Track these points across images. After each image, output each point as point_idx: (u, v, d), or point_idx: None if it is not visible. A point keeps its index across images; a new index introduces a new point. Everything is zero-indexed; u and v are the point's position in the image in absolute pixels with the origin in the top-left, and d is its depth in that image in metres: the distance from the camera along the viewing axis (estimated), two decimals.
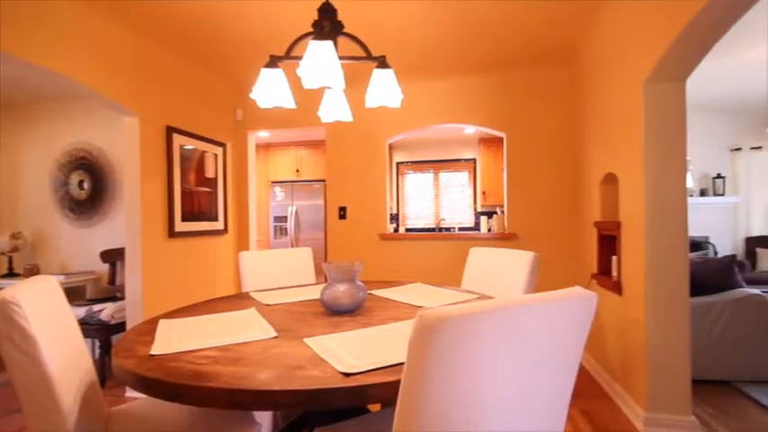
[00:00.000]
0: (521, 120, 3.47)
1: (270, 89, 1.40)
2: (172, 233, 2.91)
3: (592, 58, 2.89)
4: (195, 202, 3.15)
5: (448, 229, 6.12)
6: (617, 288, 2.45)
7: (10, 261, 3.59)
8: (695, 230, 5.58)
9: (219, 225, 3.48)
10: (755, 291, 2.79)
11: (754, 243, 5.45)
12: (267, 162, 5.92)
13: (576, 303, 0.74)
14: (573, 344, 0.80)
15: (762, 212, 5.60)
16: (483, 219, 5.57)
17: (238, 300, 1.75)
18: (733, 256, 2.97)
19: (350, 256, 3.71)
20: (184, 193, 3.03)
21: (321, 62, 1.24)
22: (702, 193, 5.73)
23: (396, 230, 6.17)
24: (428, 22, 2.59)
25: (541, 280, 3.19)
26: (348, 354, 1.02)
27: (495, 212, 5.66)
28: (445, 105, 3.60)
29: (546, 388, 0.80)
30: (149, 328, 1.33)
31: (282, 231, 5.66)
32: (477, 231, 5.90)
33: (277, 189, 5.74)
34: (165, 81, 2.92)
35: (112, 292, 3.37)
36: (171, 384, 0.89)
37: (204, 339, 1.16)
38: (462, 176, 6.27)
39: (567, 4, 2.42)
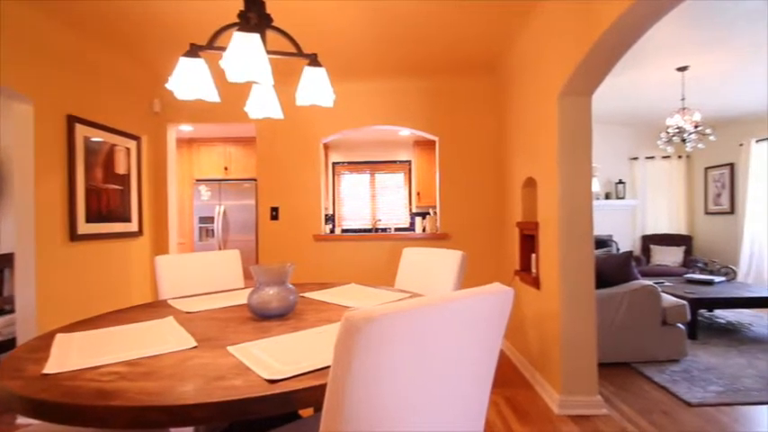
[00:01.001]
0: (452, 124, 3.62)
1: (189, 80, 1.30)
2: (74, 236, 2.58)
3: (514, 70, 3.10)
4: (103, 201, 2.83)
5: (384, 230, 6.19)
6: (536, 283, 2.66)
7: None
8: (601, 230, 6.25)
9: (133, 227, 3.16)
10: (649, 282, 3.19)
11: (648, 240, 6.24)
12: (191, 158, 5.50)
13: (495, 298, 0.79)
14: (492, 337, 0.84)
15: (654, 214, 6.43)
16: (418, 219, 5.73)
17: (154, 308, 1.60)
18: (630, 252, 3.37)
19: (283, 258, 3.59)
20: (90, 191, 2.71)
21: (246, 55, 1.17)
22: (607, 196, 6.43)
23: (332, 231, 6.10)
24: (362, 24, 2.60)
25: (470, 277, 3.36)
26: (275, 360, 0.98)
27: (429, 213, 5.85)
28: (380, 107, 3.63)
29: (469, 380, 0.83)
30: (44, 343, 1.17)
31: (209, 233, 5.29)
32: (412, 232, 6.05)
33: (202, 188, 5.34)
34: (67, 64, 2.59)
35: (0, 304, 2.92)
36: (67, 406, 0.79)
37: (110, 354, 1.05)
38: (398, 177, 6.39)
39: (493, 19, 2.57)
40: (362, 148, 6.34)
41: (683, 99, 4.31)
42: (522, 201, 2.99)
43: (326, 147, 6.22)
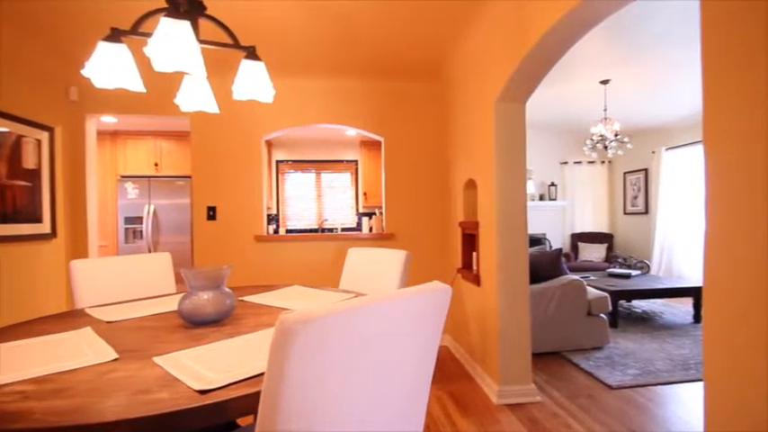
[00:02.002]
0: (397, 126, 3.66)
1: (110, 67, 1.18)
2: None
3: (456, 75, 3.20)
4: (8, 199, 2.50)
5: (331, 230, 6.12)
6: (476, 280, 2.76)
7: None
8: (535, 229, 6.67)
9: (45, 228, 2.82)
10: (576, 277, 3.46)
11: (576, 238, 6.76)
12: (116, 153, 4.98)
13: (433, 296, 0.80)
14: (432, 334, 0.86)
15: (582, 214, 6.98)
16: (365, 219, 5.73)
17: (69, 318, 1.45)
18: (560, 250, 3.62)
19: (221, 260, 3.41)
20: None
21: (175, 43, 1.09)
22: (541, 197, 6.88)
23: (275, 232, 5.92)
24: (306, 21, 2.54)
25: (415, 276, 3.42)
26: (208, 369, 0.92)
27: (375, 213, 5.88)
28: (326, 106, 3.58)
29: (409, 378, 0.84)
30: None
31: (136, 235, 4.84)
32: (359, 232, 6.04)
33: (129, 185, 4.86)
34: None
35: None
36: None
37: (11, 371, 0.92)
38: (345, 177, 6.35)
39: (435, 25, 2.63)
40: (308, 147, 6.22)
41: (605, 110, 4.73)
42: (464, 201, 3.10)
43: (270, 144, 6.02)
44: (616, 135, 4.57)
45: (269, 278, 3.45)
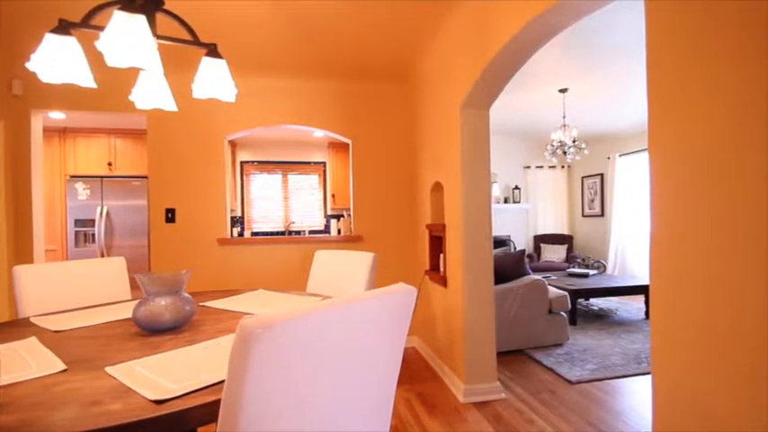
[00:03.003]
0: (365, 128, 3.66)
1: (57, 60, 1.11)
2: None
3: (423, 79, 3.25)
4: None
5: (299, 233, 6.02)
6: (443, 281, 2.81)
7: None
8: (500, 230, 6.87)
9: None
10: (538, 277, 3.58)
11: (539, 240, 7.01)
12: (64, 151, 4.67)
13: (398, 298, 0.80)
14: (397, 335, 0.86)
15: (544, 216, 7.26)
16: (333, 222, 5.69)
17: (11, 328, 1.34)
18: (523, 251, 3.74)
19: (182, 265, 3.28)
20: None
21: (129, 38, 1.04)
22: (506, 200, 7.09)
23: (240, 234, 5.76)
24: (270, 19, 2.50)
25: (383, 278, 3.42)
26: (164, 378, 0.88)
27: (343, 215, 5.85)
28: (292, 106, 3.53)
29: (374, 381, 0.84)
30: None
31: (88, 238, 4.53)
32: (327, 234, 5.98)
33: (79, 185, 4.55)
34: None
35: None
36: None
37: None
38: (313, 179, 6.27)
39: (403, 29, 2.66)
40: (274, 148, 6.10)
41: (564, 117, 4.94)
42: (431, 204, 3.14)
43: (234, 144, 5.86)
44: (574, 141, 4.78)
45: (233, 283, 3.36)
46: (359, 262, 1.94)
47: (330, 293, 1.98)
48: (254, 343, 0.59)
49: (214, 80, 1.36)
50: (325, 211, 6.23)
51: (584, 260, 6.48)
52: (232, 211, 5.43)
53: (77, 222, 4.55)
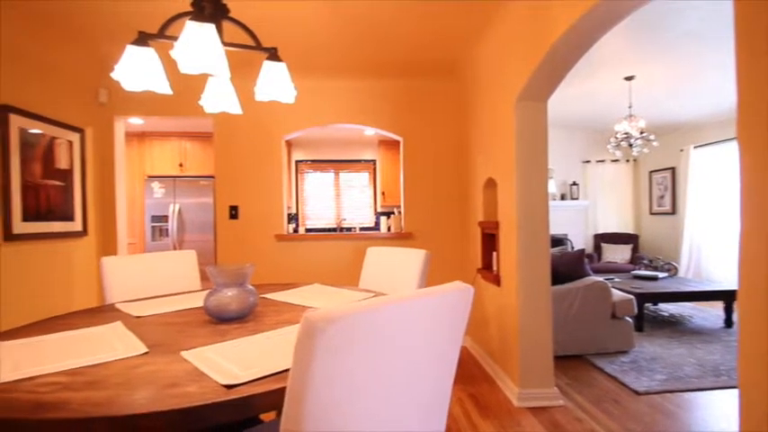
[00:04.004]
0: (416, 125, 3.65)
1: (138, 70, 1.22)
2: (9, 236, 2.37)
3: (475, 74, 3.17)
4: (42, 198, 2.62)
5: (349, 229, 6.15)
6: (497, 280, 2.73)
7: None
8: (556, 229, 6.54)
9: (76, 226, 2.94)
10: (599, 278, 3.37)
11: (599, 239, 6.60)
12: (142, 153, 5.16)
13: (455, 296, 0.79)
14: (453, 334, 0.85)
15: (605, 214, 6.81)
16: (383, 219, 5.74)
17: (100, 313, 1.50)
18: (583, 251, 3.54)
19: (243, 258, 3.48)
20: (27, 188, 2.49)
21: (200, 46, 1.12)
22: (562, 197, 6.74)
23: (295, 231, 5.99)
24: (325, 21, 2.56)
25: (434, 276, 3.40)
26: (233, 364, 0.94)
27: (394, 213, 5.87)
28: (345, 106, 3.60)
29: (431, 377, 0.83)
30: None
31: (162, 233, 5.00)
32: (377, 231, 6.05)
33: (155, 185, 5.02)
34: (0, 49, 2.37)
35: None
36: (0, 420, 0.72)
37: (49, 363, 0.96)
38: (363, 177, 6.37)
39: (454, 23, 2.61)
40: (327, 147, 6.27)
41: (630, 107, 4.59)
42: (484, 201, 3.07)
43: (289, 144, 6.09)
44: (642, 133, 4.43)
45: (289, 276, 3.50)
46: (411, 259, 1.94)
47: (382, 290, 2.00)
48: (317, 335, 0.61)
49: (275, 83, 1.42)
50: (375, 209, 6.30)
51: (651, 261, 6.00)
52: (288, 208, 5.66)
53: (153, 218, 5.02)
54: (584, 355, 3.23)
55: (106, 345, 1.10)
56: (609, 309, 3.25)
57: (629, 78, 4.11)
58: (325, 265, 3.55)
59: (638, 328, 3.78)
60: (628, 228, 6.79)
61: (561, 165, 6.72)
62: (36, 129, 2.59)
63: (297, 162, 6.23)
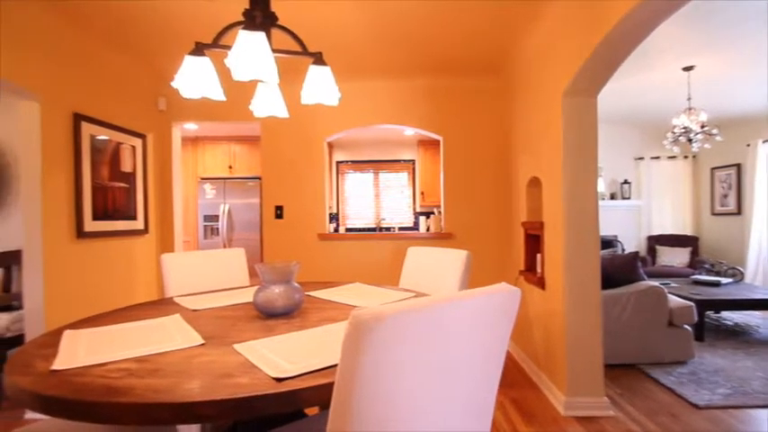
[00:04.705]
0: (457, 124, 3.61)
1: (195, 78, 1.30)
2: (81, 233, 2.60)
3: (519, 70, 3.08)
4: (109, 198, 2.85)
5: (388, 229, 6.19)
6: (541, 283, 2.64)
7: None
8: (606, 230, 6.22)
9: (139, 224, 3.18)
10: (655, 283, 3.17)
11: (654, 241, 6.20)
12: (196, 157, 5.52)
13: (502, 298, 0.78)
14: (499, 336, 0.84)
15: (660, 214, 6.38)
16: (422, 219, 5.72)
17: (160, 306, 1.61)
18: (636, 253, 3.34)
19: (287, 257, 3.60)
20: (96, 189, 2.72)
21: (252, 54, 1.17)
22: (612, 196, 6.39)
23: (336, 230, 6.11)
24: (366, 22, 2.60)
25: (475, 277, 3.34)
26: (281, 358, 0.98)
27: (433, 212, 5.84)
28: (385, 106, 3.63)
29: (476, 379, 0.83)
30: (52, 340, 1.17)
31: (213, 231, 5.31)
32: (416, 231, 6.04)
33: (207, 186, 5.36)
34: (73, 62, 2.60)
35: (7, 300, 2.94)
36: (77, 402, 0.79)
37: (117, 351, 1.05)
38: (402, 177, 6.38)
39: (497, 18, 2.56)
40: (366, 147, 6.34)
41: (689, 99, 4.27)
42: (527, 200, 2.98)
43: (331, 145, 6.22)
44: (702, 127, 4.11)
45: (330, 274, 3.58)
46: (452, 259, 1.92)
47: (422, 290, 1.99)
48: (365, 333, 0.62)
49: (320, 86, 1.46)
50: (414, 209, 6.29)
51: (713, 266, 5.55)
52: (329, 208, 5.79)
53: (206, 218, 5.36)
54: (637, 364, 3.05)
55: (167, 335, 1.18)
56: (665, 316, 3.05)
57: (687, 69, 3.82)
58: (364, 264, 3.60)
59: (698, 338, 3.52)
60: (686, 229, 6.33)
61: (611, 162, 6.38)
62: (104, 135, 2.83)
63: (338, 163, 6.35)
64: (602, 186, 6.33)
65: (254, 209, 5.29)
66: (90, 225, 2.67)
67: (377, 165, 6.36)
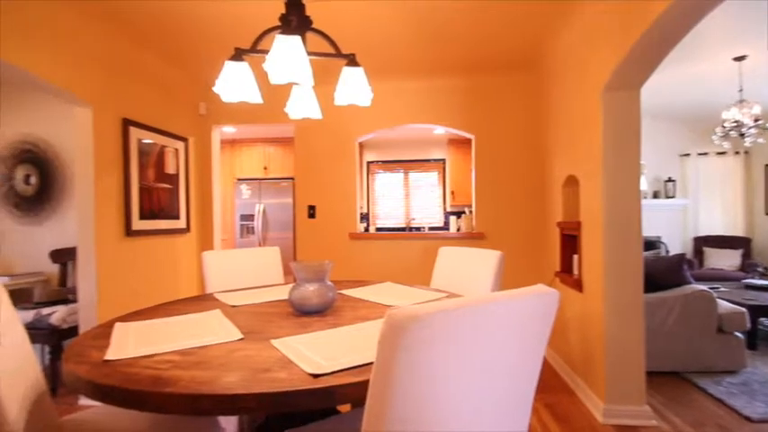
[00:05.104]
0: (489, 122, 3.55)
1: (234, 83, 1.35)
2: (129, 232, 2.76)
3: (554, 65, 2.99)
4: (154, 199, 3.01)
5: (418, 229, 6.17)
6: (578, 285, 2.56)
7: None
8: (648, 230, 5.92)
9: (181, 223, 3.34)
10: (702, 287, 2.99)
11: (701, 242, 5.84)
12: (233, 158, 5.74)
13: (540, 300, 0.76)
14: (537, 339, 0.82)
15: (708, 214, 6.01)
16: (452, 218, 5.66)
17: (201, 301, 1.68)
18: (682, 255, 3.17)
19: (319, 255, 3.66)
20: (142, 190, 2.88)
21: (288, 57, 1.21)
22: (655, 195, 6.08)
23: (366, 230, 6.15)
24: (397, 23, 2.60)
25: (507, 278, 3.28)
26: (317, 355, 1.00)
27: (464, 212, 5.77)
28: (415, 106, 3.62)
29: (513, 382, 0.81)
30: (104, 332, 1.25)
31: (249, 230, 5.51)
32: (446, 231, 5.99)
33: (243, 187, 5.56)
34: (122, 71, 2.76)
35: (64, 294, 3.16)
36: (128, 391, 0.84)
37: (164, 343, 1.11)
38: (432, 176, 6.34)
39: (530, 13, 2.49)
40: (396, 147, 6.34)
41: (740, 91, 4.00)
42: (563, 200, 2.89)
43: (361, 146, 6.27)
44: (756, 120, 3.84)
45: (360, 273, 3.61)
46: (485, 260, 1.90)
47: (455, 291, 1.98)
48: (401, 333, 0.63)
49: (353, 87, 1.48)
50: (444, 208, 6.23)
51: (767, 269, 5.17)
52: (360, 207, 5.85)
53: (242, 217, 5.56)
54: (683, 372, 2.89)
55: (209, 329, 1.24)
56: (714, 322, 2.87)
57: (739, 59, 3.59)
58: (394, 263, 3.61)
59: (751, 346, 3.29)
60: (737, 230, 5.92)
61: (654, 159, 6.07)
62: (149, 139, 2.99)
63: (368, 163, 6.39)
64: (643, 184, 6.04)
65: (288, 208, 5.43)
66: (137, 224, 2.83)
67: (407, 164, 6.35)
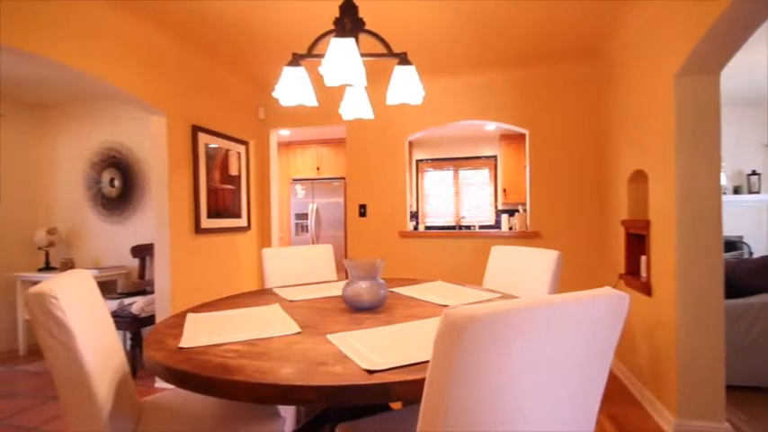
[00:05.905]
0: (544, 116, 3.40)
1: (292, 87, 1.41)
2: (198, 229, 2.98)
3: (617, 52, 2.79)
4: (220, 199, 3.23)
5: (468, 228, 6.05)
6: (646, 289, 2.38)
7: (47, 255, 3.76)
8: (728, 230, 5.35)
9: (243, 222, 3.55)
10: None
11: None
12: (288, 160, 6.00)
13: (607, 304, 0.72)
14: (603, 345, 0.78)
15: None
16: (504, 217, 5.49)
17: (262, 295, 1.78)
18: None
19: (370, 253, 3.72)
20: (209, 191, 3.11)
21: (343, 60, 1.24)
22: (736, 190, 5.47)
23: (415, 228, 6.15)
24: (446, 19, 2.56)
25: (565, 280, 3.12)
26: (371, 351, 1.02)
27: (517, 210, 5.57)
28: (467, 102, 3.55)
29: (575, 390, 0.78)
30: (177, 321, 1.36)
31: (303, 228, 5.73)
32: (498, 230, 5.82)
33: (298, 187, 5.80)
34: (190, 80, 2.99)
35: (142, 286, 3.49)
36: (200, 377, 0.91)
37: (230, 334, 1.18)
38: (483, 174, 6.19)
39: (593, 2, 2.35)
40: (446, 145, 6.26)
41: None
42: (629, 196, 2.69)
43: (410, 144, 6.26)
44: None
45: (410, 271, 3.61)
46: (541, 260, 1.82)
47: (508, 291, 1.92)
48: (458, 333, 0.62)
49: (405, 86, 1.48)
50: (496, 206, 6.06)
51: None
52: (409, 206, 5.86)
53: (297, 216, 5.81)
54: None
55: (269, 323, 1.30)
56: None
57: None
58: (444, 262, 3.57)
59: None
60: None
61: (734, 151, 5.46)
62: (215, 143, 3.21)
63: (417, 161, 6.37)
64: (723, 179, 5.46)
65: (339, 207, 5.58)
66: (205, 222, 3.05)
67: (456, 162, 6.25)
